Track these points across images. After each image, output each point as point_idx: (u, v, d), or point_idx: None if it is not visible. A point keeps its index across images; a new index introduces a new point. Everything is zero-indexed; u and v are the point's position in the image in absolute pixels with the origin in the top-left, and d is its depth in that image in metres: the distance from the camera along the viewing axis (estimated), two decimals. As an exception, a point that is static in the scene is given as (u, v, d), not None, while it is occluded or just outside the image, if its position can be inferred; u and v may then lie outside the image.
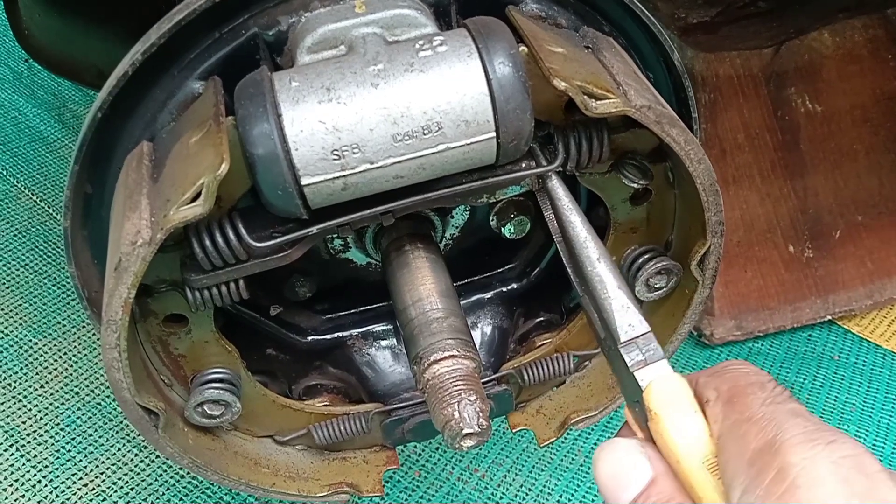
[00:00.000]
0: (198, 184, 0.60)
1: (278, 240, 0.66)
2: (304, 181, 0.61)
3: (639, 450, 0.55)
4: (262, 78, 0.62)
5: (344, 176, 0.62)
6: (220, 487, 1.12)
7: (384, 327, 0.92)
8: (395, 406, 0.86)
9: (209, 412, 0.76)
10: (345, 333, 0.92)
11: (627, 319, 0.60)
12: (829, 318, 1.36)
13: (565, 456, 1.20)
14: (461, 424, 0.68)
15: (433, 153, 0.63)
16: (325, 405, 0.86)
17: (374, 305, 0.92)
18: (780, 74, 1.33)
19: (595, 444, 1.21)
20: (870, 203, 1.35)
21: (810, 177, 1.33)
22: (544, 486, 1.16)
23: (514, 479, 1.16)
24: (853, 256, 1.34)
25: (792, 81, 1.33)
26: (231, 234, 0.66)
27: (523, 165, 0.69)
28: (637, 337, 0.59)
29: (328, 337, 0.92)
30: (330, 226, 0.67)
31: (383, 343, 0.92)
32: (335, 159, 0.61)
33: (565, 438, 1.21)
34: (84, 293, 0.75)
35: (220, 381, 0.76)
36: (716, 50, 1.31)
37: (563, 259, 0.68)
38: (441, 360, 0.71)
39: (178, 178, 0.63)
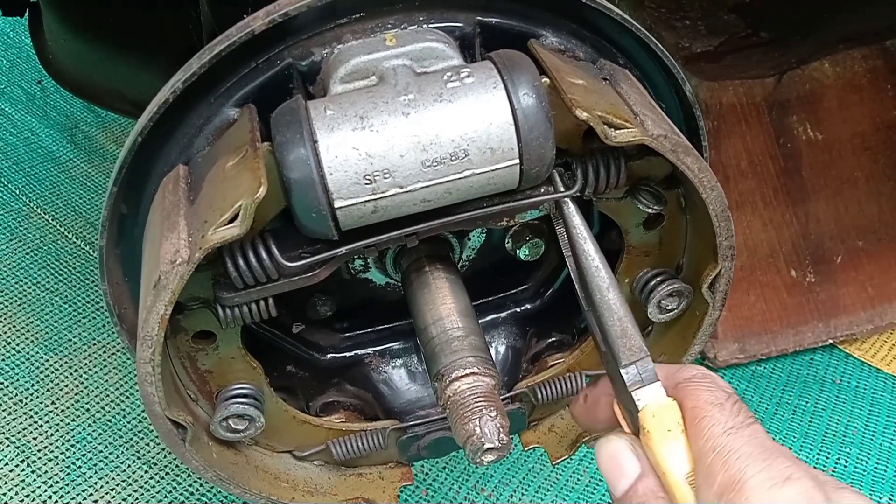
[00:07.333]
0: (236, 206, 0.62)
1: (308, 259, 0.69)
2: (337, 204, 0.64)
3: (629, 447, 0.65)
4: (298, 106, 0.64)
5: (375, 199, 0.64)
6: (229, 504, 1.13)
7: (401, 346, 0.94)
8: (411, 423, 0.87)
9: (234, 427, 0.77)
10: (362, 352, 0.94)
11: (629, 344, 0.67)
12: (831, 342, 1.38)
13: (571, 476, 1.21)
14: (482, 440, 0.69)
15: (460, 178, 0.65)
16: (343, 422, 0.88)
17: (392, 324, 0.94)
18: (782, 103, 1.36)
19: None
20: (870, 229, 1.37)
21: (812, 203, 1.36)
22: (551, 506, 1.17)
23: (520, 499, 1.17)
24: (854, 281, 1.37)
25: (794, 110, 1.36)
26: (263, 254, 0.68)
27: (542, 191, 0.72)
28: (636, 361, 0.66)
29: (346, 355, 0.93)
30: (358, 247, 0.69)
31: (399, 361, 0.94)
32: (367, 184, 0.64)
33: (571, 459, 1.22)
34: (115, 310, 0.77)
35: (245, 396, 0.78)
36: (719, 79, 1.34)
37: (574, 281, 0.71)
38: (462, 377, 0.73)
39: (216, 200, 0.65)
